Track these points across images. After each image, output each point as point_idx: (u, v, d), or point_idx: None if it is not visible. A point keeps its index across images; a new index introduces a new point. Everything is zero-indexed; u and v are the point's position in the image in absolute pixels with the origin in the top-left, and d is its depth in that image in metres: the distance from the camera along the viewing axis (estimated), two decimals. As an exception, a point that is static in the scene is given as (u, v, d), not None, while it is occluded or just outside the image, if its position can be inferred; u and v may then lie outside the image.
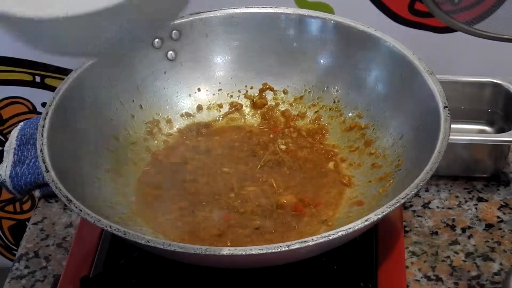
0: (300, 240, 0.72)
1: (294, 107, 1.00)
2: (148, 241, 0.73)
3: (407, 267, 0.89)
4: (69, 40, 0.62)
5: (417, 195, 0.97)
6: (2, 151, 1.03)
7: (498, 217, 0.95)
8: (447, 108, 0.84)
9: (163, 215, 0.88)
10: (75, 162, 0.86)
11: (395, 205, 0.75)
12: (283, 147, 0.96)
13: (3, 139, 1.33)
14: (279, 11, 0.99)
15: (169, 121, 0.98)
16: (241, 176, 0.92)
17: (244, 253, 0.71)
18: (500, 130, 1.04)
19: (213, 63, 1.01)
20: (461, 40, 1.12)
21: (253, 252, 0.71)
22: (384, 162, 0.91)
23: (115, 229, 0.74)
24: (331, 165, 0.94)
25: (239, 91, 1.01)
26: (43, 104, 1.29)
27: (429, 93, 0.86)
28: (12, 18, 0.60)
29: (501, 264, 0.89)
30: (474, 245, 0.92)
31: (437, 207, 0.97)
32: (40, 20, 0.59)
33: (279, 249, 0.71)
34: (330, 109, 0.99)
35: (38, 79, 1.25)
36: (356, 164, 0.93)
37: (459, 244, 0.92)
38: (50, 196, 1.00)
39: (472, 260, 0.90)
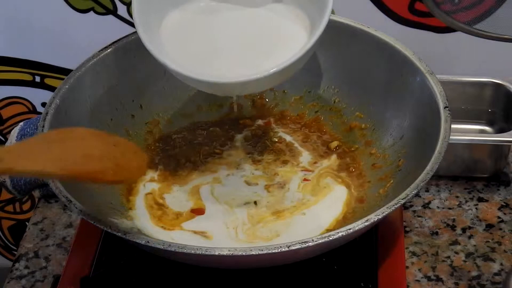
0: (300, 241, 0.72)
1: (294, 107, 1.00)
2: (148, 242, 0.73)
3: (407, 267, 0.89)
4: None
5: (417, 195, 0.97)
6: (2, 151, 1.02)
7: (499, 217, 0.95)
8: (447, 108, 0.84)
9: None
10: (75, 162, 0.86)
11: (395, 206, 0.75)
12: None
13: (3, 139, 1.33)
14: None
15: (169, 121, 0.98)
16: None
17: (244, 253, 0.71)
18: (500, 130, 1.03)
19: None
20: (461, 40, 1.11)
21: (253, 253, 0.71)
22: (384, 163, 0.91)
23: (115, 230, 0.74)
24: (331, 165, 0.94)
25: (239, 91, 1.01)
26: (43, 104, 1.28)
27: (430, 93, 0.86)
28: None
29: (501, 264, 0.89)
30: (475, 245, 0.92)
31: (437, 207, 0.97)
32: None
33: (279, 250, 0.71)
34: (330, 109, 0.98)
35: (38, 79, 1.25)
36: (357, 164, 0.93)
37: (459, 244, 0.92)
38: (50, 196, 1.00)
39: (473, 260, 0.90)
